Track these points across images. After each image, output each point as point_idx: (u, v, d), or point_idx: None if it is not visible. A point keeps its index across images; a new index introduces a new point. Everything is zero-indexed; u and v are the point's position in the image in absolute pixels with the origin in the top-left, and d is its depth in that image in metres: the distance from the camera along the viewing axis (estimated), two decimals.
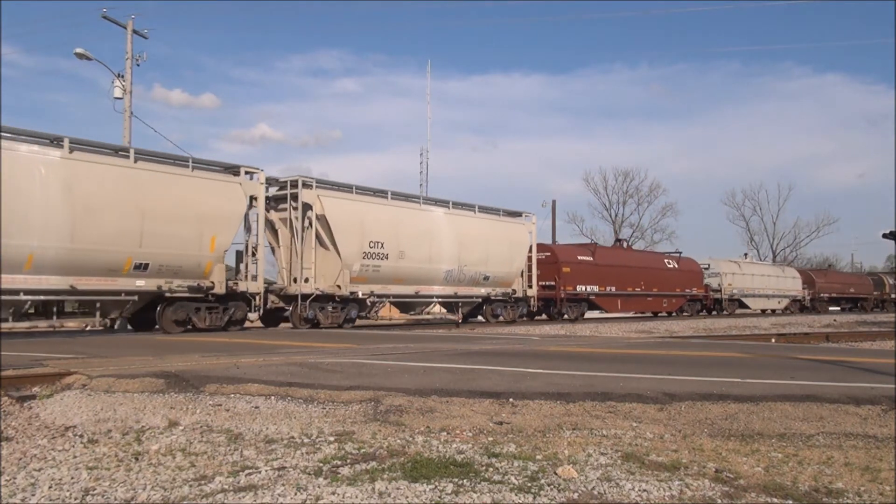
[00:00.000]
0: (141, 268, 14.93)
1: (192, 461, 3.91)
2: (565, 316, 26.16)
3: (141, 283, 15.07)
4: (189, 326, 16.02)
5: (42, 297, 13.87)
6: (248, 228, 17.43)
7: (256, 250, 17.38)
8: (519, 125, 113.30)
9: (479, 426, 4.84)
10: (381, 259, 19.35)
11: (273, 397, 5.82)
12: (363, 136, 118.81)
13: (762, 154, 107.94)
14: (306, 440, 4.46)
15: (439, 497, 3.23)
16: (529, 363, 8.23)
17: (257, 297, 17.17)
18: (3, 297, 13.02)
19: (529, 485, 3.41)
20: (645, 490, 3.34)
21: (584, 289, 26.79)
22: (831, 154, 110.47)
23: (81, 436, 4.62)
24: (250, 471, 3.69)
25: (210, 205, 16.06)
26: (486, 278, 22.64)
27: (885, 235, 20.25)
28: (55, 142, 14.06)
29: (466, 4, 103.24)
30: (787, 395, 5.70)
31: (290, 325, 18.60)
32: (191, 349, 10.16)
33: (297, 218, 18.22)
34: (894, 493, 3.34)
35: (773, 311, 40.59)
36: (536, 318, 25.86)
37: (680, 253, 35.86)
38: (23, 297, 13.34)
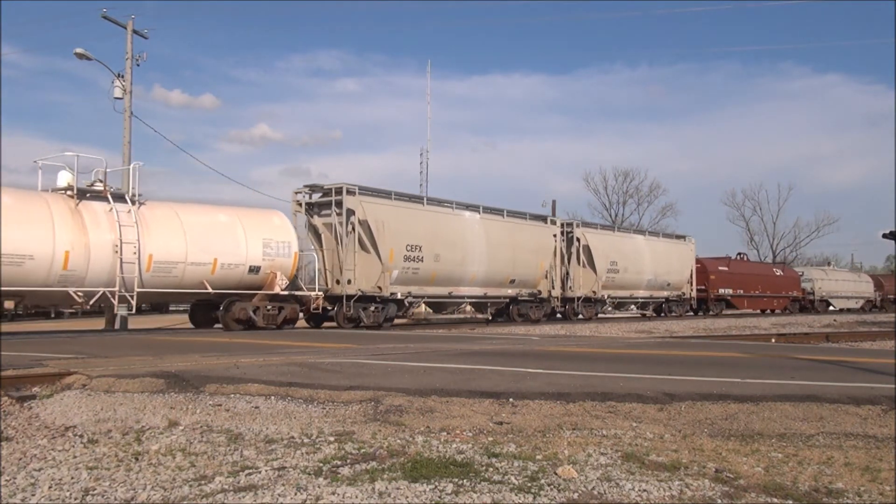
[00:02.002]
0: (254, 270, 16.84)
1: (192, 461, 3.91)
2: (711, 312, 34.74)
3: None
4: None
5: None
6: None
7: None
8: (519, 125, 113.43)
9: (479, 426, 4.84)
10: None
11: (273, 397, 5.82)
12: (363, 136, 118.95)
13: (762, 154, 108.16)
14: (306, 440, 4.46)
15: (439, 497, 3.23)
16: (529, 363, 8.23)
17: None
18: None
19: (529, 485, 3.41)
20: (645, 490, 3.34)
21: (723, 291, 36.14)
22: (831, 154, 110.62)
23: (81, 436, 4.62)
24: (250, 471, 3.69)
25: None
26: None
27: (885, 235, 20.24)
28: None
29: (466, 4, 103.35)
30: (787, 395, 5.70)
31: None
32: (191, 349, 10.16)
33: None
34: (894, 493, 3.34)
35: (850, 309, 48.78)
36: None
37: (784, 263, 48.16)
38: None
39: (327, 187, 19.80)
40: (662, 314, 31.84)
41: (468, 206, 23.10)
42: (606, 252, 27.31)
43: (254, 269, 16.71)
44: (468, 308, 25.71)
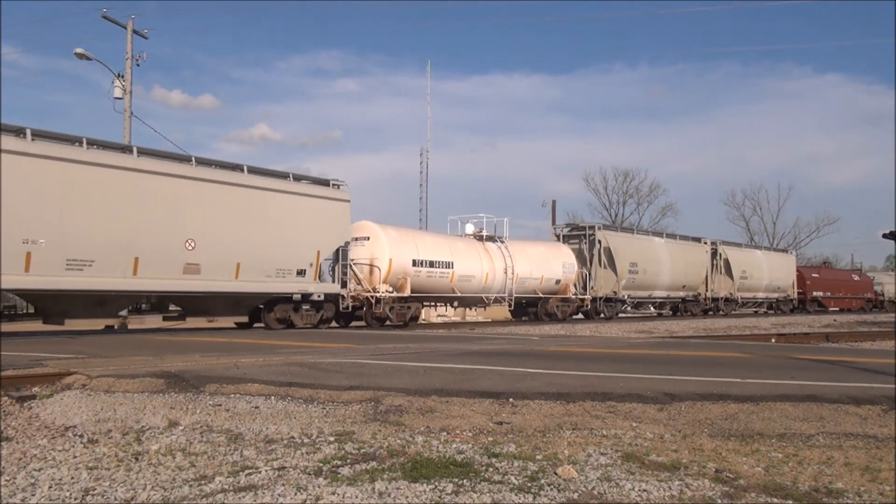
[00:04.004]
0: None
1: (192, 461, 3.91)
2: (808, 309, 42.39)
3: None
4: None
5: None
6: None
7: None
8: (519, 125, 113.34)
9: (479, 426, 4.84)
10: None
11: (273, 397, 5.82)
12: (363, 136, 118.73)
13: (762, 154, 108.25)
14: (306, 440, 4.46)
15: (439, 497, 3.23)
16: (529, 363, 8.23)
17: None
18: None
19: (529, 485, 3.41)
20: (645, 490, 3.34)
21: (816, 294, 44.02)
22: (831, 154, 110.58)
23: (81, 436, 4.62)
24: (250, 471, 3.69)
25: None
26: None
27: (885, 235, 20.21)
28: None
29: (466, 4, 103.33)
30: (787, 395, 5.70)
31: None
32: (191, 349, 10.16)
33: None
34: (894, 493, 3.34)
35: None
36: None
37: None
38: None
39: (581, 225, 29.66)
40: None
41: (653, 233, 33.53)
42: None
43: (558, 282, 25.94)
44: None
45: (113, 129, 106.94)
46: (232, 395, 5.91)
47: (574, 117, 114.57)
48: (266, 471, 3.68)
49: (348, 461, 3.88)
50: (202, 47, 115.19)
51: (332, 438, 4.48)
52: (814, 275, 45.25)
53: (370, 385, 6.19)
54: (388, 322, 20.14)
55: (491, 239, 24.41)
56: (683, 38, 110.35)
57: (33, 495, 3.28)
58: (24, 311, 15.44)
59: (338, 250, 18.93)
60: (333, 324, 19.53)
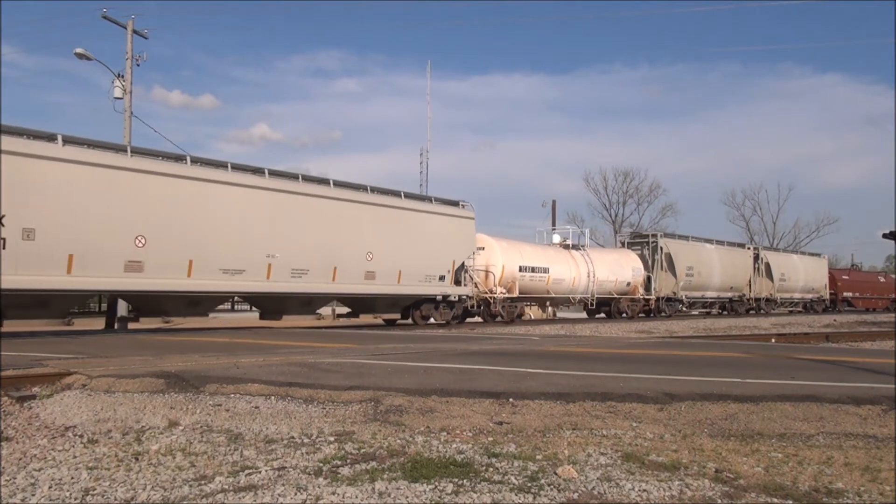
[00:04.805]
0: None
1: (192, 461, 3.91)
2: (839, 308, 45.23)
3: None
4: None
5: None
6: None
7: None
8: (519, 125, 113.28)
9: (479, 426, 4.84)
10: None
11: (273, 397, 5.82)
12: (363, 136, 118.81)
13: (762, 154, 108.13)
14: (306, 440, 4.46)
15: (439, 497, 3.23)
16: (529, 363, 8.23)
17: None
18: None
19: (529, 485, 3.41)
20: (645, 490, 3.34)
21: (847, 294, 47.18)
22: (831, 154, 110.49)
23: (81, 436, 4.62)
24: (250, 471, 3.69)
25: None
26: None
27: (885, 235, 20.18)
28: None
29: (466, 4, 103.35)
30: (787, 395, 5.71)
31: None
32: (191, 349, 10.16)
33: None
34: (894, 493, 3.34)
35: None
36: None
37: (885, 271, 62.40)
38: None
39: (643, 233, 34.43)
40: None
41: (705, 240, 35.52)
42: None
43: (628, 284, 29.81)
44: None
45: (113, 130, 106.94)
46: (232, 395, 5.90)
47: (574, 117, 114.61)
48: (266, 471, 3.68)
49: (348, 461, 3.88)
50: (202, 47, 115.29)
51: (332, 438, 4.48)
52: (844, 277, 49.08)
53: (370, 385, 6.19)
54: (499, 318, 23.96)
55: (575, 247, 28.98)
56: (683, 38, 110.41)
57: (33, 495, 3.28)
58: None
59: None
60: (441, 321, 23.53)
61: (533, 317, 30.69)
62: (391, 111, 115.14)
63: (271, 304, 18.20)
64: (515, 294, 24.26)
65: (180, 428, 4.86)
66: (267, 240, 16.84)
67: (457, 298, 22.18)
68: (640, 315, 30.51)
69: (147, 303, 16.01)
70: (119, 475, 3.62)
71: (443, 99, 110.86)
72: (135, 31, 25.13)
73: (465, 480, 3.47)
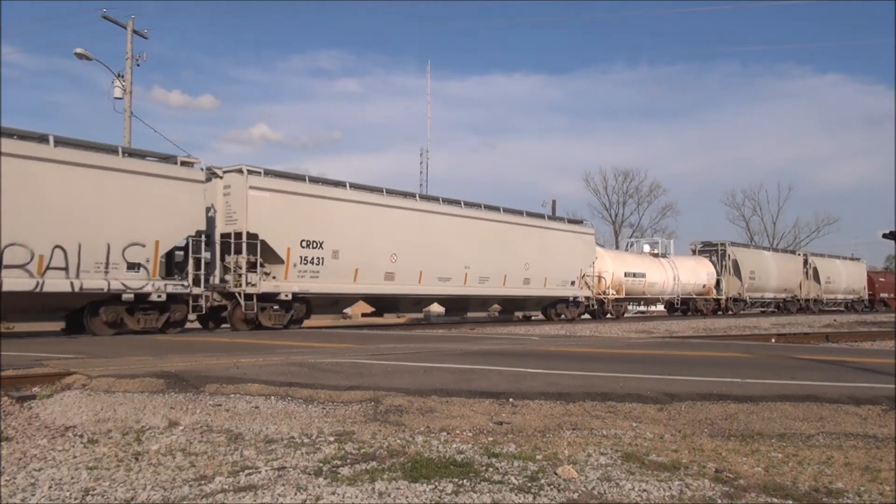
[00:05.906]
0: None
1: (192, 461, 3.91)
2: (874, 308, 49.17)
3: None
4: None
5: None
6: None
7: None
8: (519, 125, 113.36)
9: (479, 426, 4.84)
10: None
11: (273, 397, 5.82)
12: (363, 136, 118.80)
13: (762, 154, 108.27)
14: (306, 440, 4.46)
15: (439, 497, 3.23)
16: (529, 363, 8.23)
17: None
18: None
19: (529, 485, 3.41)
20: (645, 490, 3.34)
21: (883, 295, 51.33)
22: (831, 154, 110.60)
23: (81, 436, 4.62)
24: (250, 471, 3.69)
25: None
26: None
27: (885, 235, 20.19)
28: None
29: (466, 4, 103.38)
30: (787, 395, 5.70)
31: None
32: (191, 349, 10.17)
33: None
34: (894, 493, 3.34)
35: None
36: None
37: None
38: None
39: (713, 242, 37.38)
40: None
41: (764, 248, 41.54)
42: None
43: (703, 286, 34.72)
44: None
45: (113, 130, 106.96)
46: (232, 395, 5.91)
47: (574, 117, 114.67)
48: (266, 471, 3.68)
49: (348, 461, 3.88)
50: (202, 47, 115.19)
51: (332, 438, 4.48)
52: (881, 279, 54.07)
53: (370, 385, 6.19)
54: (608, 315, 29.13)
55: (662, 255, 34.72)
56: (683, 38, 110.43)
57: (33, 495, 3.28)
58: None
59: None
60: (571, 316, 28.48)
61: (630, 314, 36.28)
62: (391, 111, 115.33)
63: (459, 304, 24.14)
64: (622, 295, 29.95)
65: (180, 428, 4.86)
66: (463, 255, 22.13)
67: (583, 299, 27.48)
68: (714, 313, 35.09)
69: (391, 303, 21.78)
70: (119, 475, 3.62)
71: (443, 99, 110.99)
72: (135, 31, 25.15)
73: (465, 480, 3.47)
